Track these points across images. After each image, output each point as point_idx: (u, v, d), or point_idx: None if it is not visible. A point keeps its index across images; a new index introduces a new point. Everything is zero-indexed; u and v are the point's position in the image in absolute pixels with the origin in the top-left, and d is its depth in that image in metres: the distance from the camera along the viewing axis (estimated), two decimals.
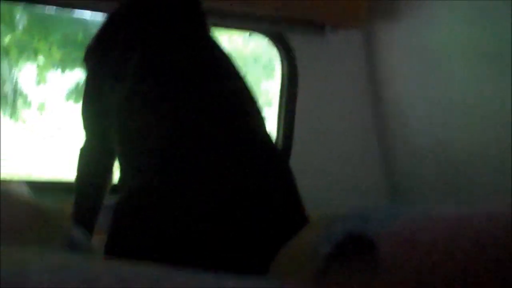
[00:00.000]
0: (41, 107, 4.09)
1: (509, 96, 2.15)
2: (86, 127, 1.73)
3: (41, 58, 3.67)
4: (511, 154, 2.16)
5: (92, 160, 1.74)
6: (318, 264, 1.02)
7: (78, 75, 3.39)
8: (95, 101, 1.67)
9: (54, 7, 2.52)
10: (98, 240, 1.58)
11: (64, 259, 0.92)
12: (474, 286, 0.84)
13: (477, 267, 0.85)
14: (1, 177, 1.91)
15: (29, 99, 3.96)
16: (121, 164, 1.58)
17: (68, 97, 3.69)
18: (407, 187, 2.83)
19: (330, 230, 1.08)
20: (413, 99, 2.73)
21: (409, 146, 2.79)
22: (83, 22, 3.13)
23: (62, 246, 1.27)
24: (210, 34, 1.71)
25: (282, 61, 2.79)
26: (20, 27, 3.49)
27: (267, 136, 1.57)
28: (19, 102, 3.95)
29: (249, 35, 2.86)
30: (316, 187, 1.58)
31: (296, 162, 1.60)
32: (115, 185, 1.75)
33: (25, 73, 3.81)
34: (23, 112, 3.85)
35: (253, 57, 3.10)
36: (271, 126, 2.65)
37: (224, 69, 1.60)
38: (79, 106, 1.78)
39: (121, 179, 1.59)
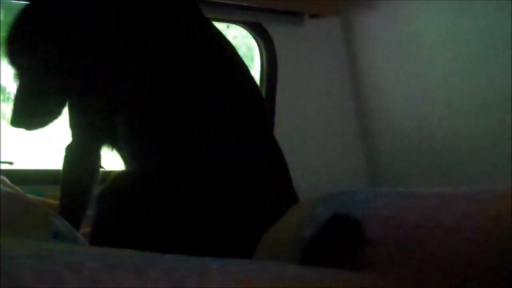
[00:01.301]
0: None
1: (489, 83, 2.18)
2: (72, 125, 1.70)
3: None
4: (492, 141, 2.19)
5: (79, 159, 1.72)
6: (303, 245, 1.03)
7: None
8: (86, 99, 1.65)
9: None
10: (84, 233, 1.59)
11: (48, 246, 0.92)
12: (457, 262, 0.85)
13: (458, 242, 0.86)
14: None
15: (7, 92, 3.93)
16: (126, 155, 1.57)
17: None
18: (388, 170, 2.85)
19: (314, 212, 1.09)
20: (393, 86, 2.75)
21: (390, 133, 2.81)
22: None
23: (46, 236, 1.28)
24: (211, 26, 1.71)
25: (261, 50, 2.79)
26: None
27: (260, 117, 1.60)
28: None
29: (227, 26, 2.84)
30: (298, 172, 1.59)
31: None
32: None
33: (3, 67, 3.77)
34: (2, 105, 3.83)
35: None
36: None
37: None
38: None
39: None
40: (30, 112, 1.66)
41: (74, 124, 1.69)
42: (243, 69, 1.60)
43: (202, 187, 1.34)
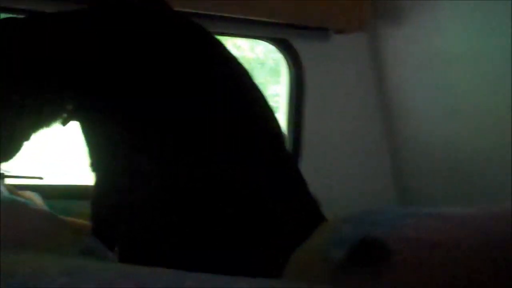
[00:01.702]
0: None
1: None
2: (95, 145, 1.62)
3: None
4: None
5: (108, 179, 1.63)
6: (332, 268, 1.04)
7: None
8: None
9: None
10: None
11: (79, 263, 0.94)
12: (478, 285, 0.85)
13: (480, 266, 0.86)
14: (16, 185, 1.92)
15: None
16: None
17: None
18: (416, 188, 2.83)
19: (341, 233, 1.09)
20: (420, 101, 2.74)
21: (417, 148, 2.79)
22: None
23: (78, 254, 1.29)
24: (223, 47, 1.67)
25: (288, 66, 2.81)
26: None
27: (279, 140, 1.60)
28: None
29: (255, 42, 2.87)
30: (325, 190, 1.59)
31: (305, 166, 1.61)
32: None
33: None
34: None
35: (259, 62, 3.11)
36: None
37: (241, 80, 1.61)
38: None
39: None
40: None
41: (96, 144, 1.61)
42: (254, 89, 1.61)
43: (232, 208, 1.35)
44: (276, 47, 2.81)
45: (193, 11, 2.12)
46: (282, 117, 2.76)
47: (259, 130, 1.52)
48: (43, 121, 1.62)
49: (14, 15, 1.67)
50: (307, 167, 1.62)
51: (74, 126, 1.66)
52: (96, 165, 1.61)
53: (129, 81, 1.48)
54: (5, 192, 1.79)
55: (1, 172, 2.29)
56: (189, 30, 1.61)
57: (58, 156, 2.75)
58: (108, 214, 1.58)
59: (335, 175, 2.76)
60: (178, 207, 1.39)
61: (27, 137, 1.63)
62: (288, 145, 2.70)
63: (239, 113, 1.50)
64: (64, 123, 1.63)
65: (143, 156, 1.46)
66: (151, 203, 1.42)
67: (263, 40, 2.81)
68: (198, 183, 1.38)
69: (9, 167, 2.41)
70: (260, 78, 1.58)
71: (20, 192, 1.91)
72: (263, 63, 3.15)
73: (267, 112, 1.60)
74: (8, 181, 1.98)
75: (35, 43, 1.54)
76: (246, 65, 1.65)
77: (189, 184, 1.39)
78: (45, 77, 1.53)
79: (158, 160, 1.44)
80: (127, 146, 1.50)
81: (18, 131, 1.61)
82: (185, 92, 1.47)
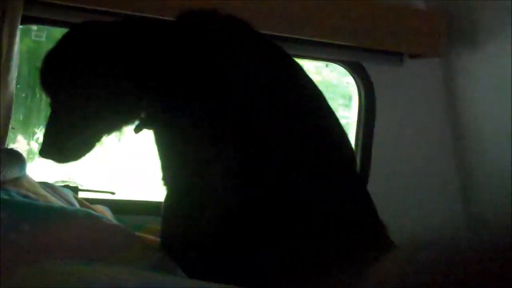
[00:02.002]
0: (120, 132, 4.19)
1: None
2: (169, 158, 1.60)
3: None
4: None
5: (179, 194, 1.59)
6: None
7: None
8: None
9: None
10: None
11: (157, 277, 0.95)
12: None
13: None
14: (87, 199, 1.96)
15: None
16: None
17: None
18: (485, 216, 2.76)
19: (415, 259, 1.07)
20: (493, 128, 2.68)
21: (489, 174, 2.73)
22: None
23: (148, 269, 1.31)
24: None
25: (359, 89, 2.79)
26: None
27: (352, 164, 1.59)
28: None
29: (326, 65, 2.86)
30: (394, 213, 1.57)
31: (374, 189, 1.59)
32: None
33: None
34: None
35: (329, 85, 3.10)
36: None
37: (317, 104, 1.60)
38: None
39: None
40: (62, 143, 1.62)
41: (172, 157, 1.59)
42: (330, 113, 1.60)
43: (305, 230, 1.35)
44: (348, 70, 2.80)
45: (267, 32, 2.14)
46: (351, 140, 2.74)
47: (334, 155, 1.52)
48: (116, 124, 1.65)
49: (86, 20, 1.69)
50: (375, 190, 1.60)
51: (147, 142, 1.67)
52: (167, 179, 1.61)
53: (207, 96, 1.49)
54: (77, 206, 1.84)
55: (75, 185, 2.35)
56: (271, 51, 1.61)
57: (130, 171, 2.80)
58: (178, 229, 1.57)
59: (404, 199, 2.72)
60: (251, 226, 1.38)
61: (99, 139, 1.66)
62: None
63: (316, 136, 1.50)
64: (137, 130, 1.65)
65: (216, 172, 1.45)
66: (224, 220, 1.42)
67: (335, 63, 2.80)
68: (272, 203, 1.38)
69: (82, 181, 2.47)
70: (330, 102, 1.58)
71: (91, 206, 1.96)
72: (333, 86, 3.14)
73: (342, 137, 1.60)
74: (80, 194, 2.02)
75: (120, 47, 1.57)
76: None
77: (263, 203, 1.39)
78: (123, 81, 1.56)
79: (231, 177, 1.44)
80: (199, 160, 1.50)
81: (92, 132, 1.64)
82: (263, 111, 1.47)
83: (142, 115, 1.62)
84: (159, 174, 1.62)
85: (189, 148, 1.52)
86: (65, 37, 1.64)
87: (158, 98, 1.56)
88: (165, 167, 1.61)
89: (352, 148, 1.62)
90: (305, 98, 1.56)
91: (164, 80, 1.54)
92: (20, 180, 1.66)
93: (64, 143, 1.62)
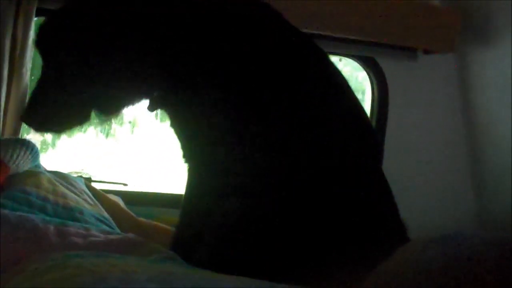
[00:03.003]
0: (133, 124, 4.21)
1: None
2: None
3: None
4: None
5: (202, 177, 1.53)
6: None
7: None
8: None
9: None
10: None
11: (167, 270, 0.96)
12: None
13: None
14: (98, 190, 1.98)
15: (122, 116, 4.06)
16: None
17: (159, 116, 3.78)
18: (496, 211, 2.76)
19: (425, 255, 1.07)
20: (507, 124, 2.67)
21: (502, 171, 2.72)
22: None
23: (161, 260, 1.31)
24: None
25: (372, 84, 2.79)
26: None
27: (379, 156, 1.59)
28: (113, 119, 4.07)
29: (340, 60, 2.85)
30: (405, 208, 1.57)
31: None
32: None
33: None
34: (116, 129, 3.99)
35: None
36: None
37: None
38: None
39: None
40: (48, 111, 1.51)
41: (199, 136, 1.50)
42: (358, 105, 1.58)
43: (313, 220, 1.35)
44: (362, 65, 2.79)
45: None
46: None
47: (361, 149, 1.51)
48: (112, 101, 1.53)
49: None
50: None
51: (159, 137, 1.66)
52: (188, 157, 1.55)
53: (230, 79, 1.43)
54: (89, 194, 1.85)
55: (88, 176, 2.37)
56: (311, 48, 1.59)
57: (142, 164, 2.81)
58: (198, 214, 1.51)
59: (416, 194, 2.71)
60: (276, 219, 1.36)
61: (88, 114, 1.54)
62: None
63: (348, 128, 1.49)
64: (151, 108, 1.56)
65: (238, 158, 1.42)
66: (250, 211, 1.39)
67: (349, 58, 2.80)
68: (297, 196, 1.37)
69: (96, 172, 2.49)
70: None
71: (105, 195, 1.97)
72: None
73: (368, 128, 1.59)
74: (93, 185, 2.03)
75: (133, 15, 1.44)
76: None
77: (287, 194, 1.37)
78: (133, 54, 1.44)
79: (253, 163, 1.41)
80: (220, 144, 1.45)
81: (83, 104, 1.51)
82: (287, 100, 1.44)
83: (155, 94, 1.52)
84: (180, 152, 1.56)
85: (207, 131, 1.47)
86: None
87: (177, 78, 1.46)
88: (184, 146, 1.54)
89: (378, 141, 1.59)
90: (339, 91, 1.54)
91: (183, 59, 1.45)
92: (40, 179, 1.66)
93: (50, 111, 1.51)
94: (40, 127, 1.56)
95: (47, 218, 1.44)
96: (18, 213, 1.41)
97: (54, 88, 1.49)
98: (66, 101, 1.49)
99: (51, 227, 1.38)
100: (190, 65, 1.45)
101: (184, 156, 1.55)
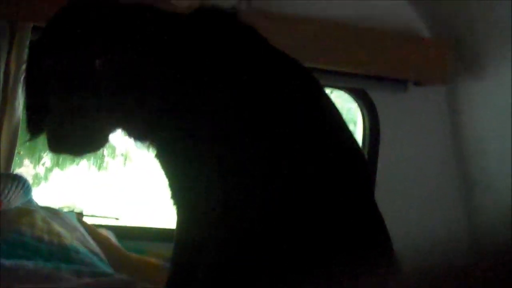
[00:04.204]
0: (126, 157, 4.21)
1: None
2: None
3: None
4: None
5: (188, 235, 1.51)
6: None
7: None
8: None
9: None
10: None
11: None
12: None
13: None
14: (90, 224, 1.97)
15: (114, 149, 4.08)
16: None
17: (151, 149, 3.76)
18: (488, 244, 2.75)
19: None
20: (497, 156, 2.68)
21: (493, 202, 2.72)
22: None
23: None
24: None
25: (363, 116, 2.80)
26: None
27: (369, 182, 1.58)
28: (106, 152, 4.08)
29: (331, 92, 2.87)
30: (396, 240, 1.57)
31: None
32: None
33: None
34: (109, 162, 3.98)
35: None
36: None
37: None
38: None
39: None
40: (75, 135, 1.48)
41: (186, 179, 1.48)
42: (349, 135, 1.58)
43: (301, 250, 1.34)
44: (353, 97, 2.81)
45: None
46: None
47: (352, 174, 1.50)
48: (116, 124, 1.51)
49: None
50: None
51: (151, 168, 1.64)
52: (176, 198, 1.51)
53: (217, 112, 1.41)
54: (81, 230, 1.84)
55: (80, 211, 2.36)
56: (305, 78, 1.58)
57: (134, 198, 2.81)
58: (191, 250, 1.48)
59: (408, 226, 2.71)
60: (270, 244, 1.34)
61: (105, 136, 1.51)
62: None
63: (340, 158, 1.46)
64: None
65: (231, 189, 1.40)
66: (240, 239, 1.38)
67: (339, 90, 2.81)
68: (289, 220, 1.35)
69: (87, 206, 2.48)
70: None
71: (96, 230, 1.97)
72: None
73: (359, 155, 1.59)
74: (85, 220, 2.02)
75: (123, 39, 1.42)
76: None
77: (279, 221, 1.35)
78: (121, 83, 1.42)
79: (245, 193, 1.39)
80: (208, 178, 1.42)
81: (96, 128, 1.49)
82: (276, 126, 1.41)
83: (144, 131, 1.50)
84: (168, 192, 1.51)
85: (196, 167, 1.43)
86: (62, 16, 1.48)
87: (162, 115, 1.44)
88: (173, 186, 1.51)
89: (368, 167, 1.59)
90: (331, 120, 1.52)
91: (168, 91, 1.42)
92: (35, 218, 1.66)
93: (70, 136, 1.49)
94: (72, 152, 1.53)
95: (40, 263, 1.44)
96: (12, 260, 1.41)
97: (67, 113, 1.46)
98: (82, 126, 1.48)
99: (44, 273, 1.38)
100: (172, 99, 1.43)
101: (172, 196, 1.52)
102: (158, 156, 1.51)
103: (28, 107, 1.55)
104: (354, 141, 1.56)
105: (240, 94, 1.42)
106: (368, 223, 1.48)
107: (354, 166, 1.52)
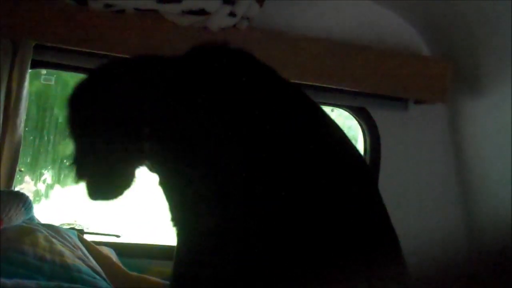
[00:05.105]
0: None
1: None
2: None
3: None
4: None
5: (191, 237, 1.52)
6: None
7: None
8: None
9: None
10: None
11: None
12: None
13: None
14: (91, 241, 1.97)
15: None
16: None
17: None
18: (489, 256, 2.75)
19: None
20: (498, 175, 2.68)
21: (494, 221, 2.72)
22: None
23: None
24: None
25: (364, 134, 2.81)
26: None
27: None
28: None
29: (332, 110, 2.88)
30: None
31: None
32: None
33: None
34: None
35: None
36: None
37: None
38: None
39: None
40: (107, 182, 1.56)
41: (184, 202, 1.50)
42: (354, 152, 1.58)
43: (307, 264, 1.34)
44: (353, 115, 2.82)
45: None
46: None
47: (359, 191, 1.51)
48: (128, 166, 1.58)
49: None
50: None
51: (152, 186, 1.65)
52: (177, 221, 1.54)
53: (217, 138, 1.44)
54: (82, 248, 1.84)
55: (81, 228, 2.36)
56: (302, 100, 1.60)
57: (135, 215, 2.80)
58: (190, 273, 1.48)
59: (409, 245, 2.70)
60: (269, 268, 1.34)
61: (131, 174, 1.60)
62: None
63: (344, 174, 1.48)
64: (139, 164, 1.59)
65: (230, 213, 1.41)
66: (239, 263, 1.38)
67: (340, 108, 2.82)
68: (292, 240, 1.35)
69: (88, 223, 2.48)
70: None
71: (97, 248, 1.96)
72: None
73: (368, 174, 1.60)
74: (86, 237, 2.02)
75: (130, 86, 1.51)
76: None
77: (284, 242, 1.36)
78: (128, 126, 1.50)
79: (247, 218, 1.40)
80: (210, 200, 1.43)
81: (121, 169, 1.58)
82: (277, 149, 1.42)
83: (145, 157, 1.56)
84: (168, 215, 1.55)
85: (197, 189, 1.45)
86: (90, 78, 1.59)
87: (163, 137, 1.50)
88: (173, 208, 1.54)
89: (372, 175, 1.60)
90: (335, 138, 1.55)
91: (170, 120, 1.48)
92: (37, 237, 1.66)
93: (108, 185, 1.58)
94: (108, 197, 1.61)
95: (43, 283, 1.44)
96: (14, 280, 1.40)
97: (95, 161, 1.54)
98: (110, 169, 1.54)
99: None
100: (175, 125, 1.47)
101: (172, 219, 1.55)
102: (161, 183, 1.55)
103: (74, 159, 1.58)
104: (357, 151, 1.57)
105: (239, 119, 1.44)
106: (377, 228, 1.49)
107: (359, 174, 1.53)
